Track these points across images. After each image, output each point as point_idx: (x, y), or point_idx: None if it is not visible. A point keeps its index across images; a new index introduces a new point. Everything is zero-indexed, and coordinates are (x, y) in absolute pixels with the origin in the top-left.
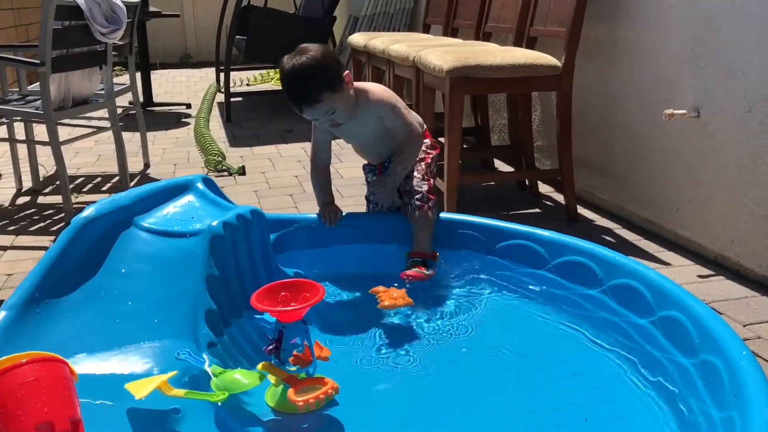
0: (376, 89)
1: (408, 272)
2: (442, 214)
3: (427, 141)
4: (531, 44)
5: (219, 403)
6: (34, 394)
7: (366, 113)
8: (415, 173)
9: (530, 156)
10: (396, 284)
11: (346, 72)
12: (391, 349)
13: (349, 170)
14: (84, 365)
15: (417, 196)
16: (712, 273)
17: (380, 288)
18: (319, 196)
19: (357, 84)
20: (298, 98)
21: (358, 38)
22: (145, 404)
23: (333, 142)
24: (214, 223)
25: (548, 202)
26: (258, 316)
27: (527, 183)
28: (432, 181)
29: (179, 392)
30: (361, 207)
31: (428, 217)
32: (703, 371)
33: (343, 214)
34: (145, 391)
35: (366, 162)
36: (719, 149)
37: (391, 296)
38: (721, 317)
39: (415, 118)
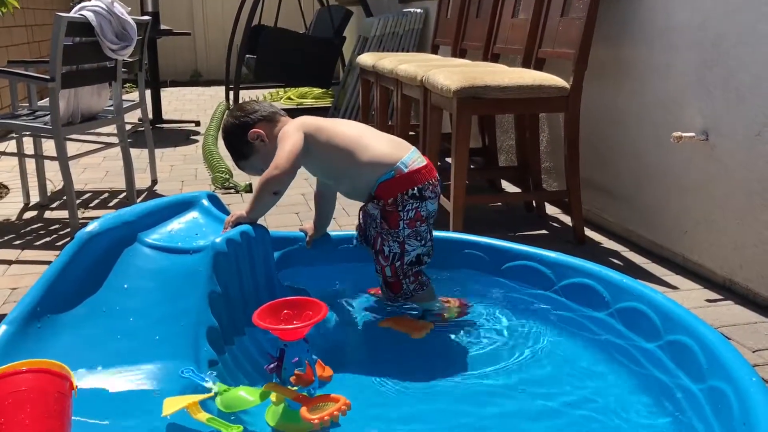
0: (284, 130)
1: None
2: (449, 234)
3: (382, 203)
4: (539, 65)
5: None
6: (21, 404)
7: None
8: (372, 255)
9: (537, 177)
10: (401, 312)
11: (252, 131)
12: (395, 369)
13: None
14: (83, 381)
15: (387, 296)
16: (721, 297)
17: (391, 322)
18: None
19: (285, 127)
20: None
21: (366, 58)
22: (141, 424)
23: None
24: (218, 240)
25: (555, 224)
26: (261, 335)
27: (534, 204)
28: (394, 266)
29: (203, 416)
30: None
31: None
32: (712, 397)
33: (308, 234)
34: (172, 408)
35: None
36: (728, 172)
37: (413, 326)
38: (730, 342)
39: (285, 157)
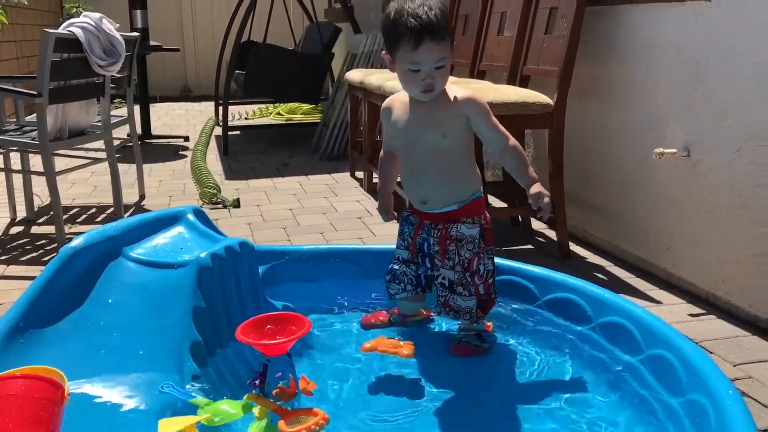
0: (467, 89)
1: (460, 349)
2: None
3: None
4: (524, 83)
5: None
6: (7, 409)
7: (449, 109)
8: (460, 279)
9: (523, 192)
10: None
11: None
12: (378, 384)
13: (344, 204)
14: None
15: (465, 317)
16: (703, 312)
17: (374, 344)
18: (381, 182)
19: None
20: (429, 28)
21: (354, 75)
22: None
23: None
24: (202, 255)
25: (541, 239)
26: (245, 349)
27: (520, 219)
28: (487, 283)
29: None
30: (355, 241)
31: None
32: (691, 411)
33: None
34: (169, 429)
35: (408, 205)
36: (710, 188)
37: (398, 345)
38: (712, 357)
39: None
